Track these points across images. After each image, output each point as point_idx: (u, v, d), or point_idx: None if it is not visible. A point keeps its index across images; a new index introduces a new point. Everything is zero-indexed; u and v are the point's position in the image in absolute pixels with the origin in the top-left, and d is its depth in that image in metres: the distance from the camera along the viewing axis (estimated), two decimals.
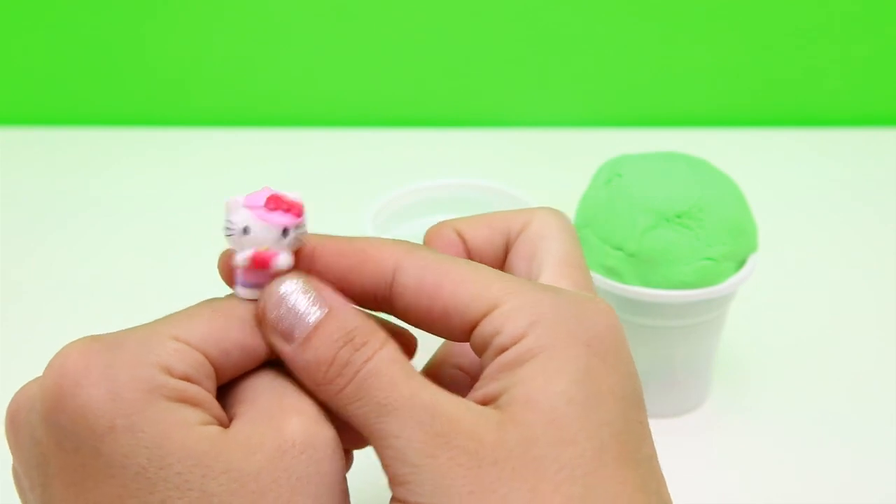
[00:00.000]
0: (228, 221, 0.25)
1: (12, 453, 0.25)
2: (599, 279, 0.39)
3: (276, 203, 0.25)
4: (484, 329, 0.24)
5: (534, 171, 0.64)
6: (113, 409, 0.22)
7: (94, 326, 0.50)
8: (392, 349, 0.24)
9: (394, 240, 0.26)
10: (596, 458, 0.22)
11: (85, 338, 0.24)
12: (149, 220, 0.61)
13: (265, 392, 0.24)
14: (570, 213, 0.42)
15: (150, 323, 0.24)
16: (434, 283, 0.25)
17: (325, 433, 0.23)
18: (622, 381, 0.24)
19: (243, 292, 0.25)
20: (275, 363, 0.25)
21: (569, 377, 0.23)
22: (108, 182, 0.66)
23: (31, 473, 0.24)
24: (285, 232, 0.25)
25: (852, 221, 0.60)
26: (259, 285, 0.25)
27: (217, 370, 0.24)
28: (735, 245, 0.39)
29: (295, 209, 0.25)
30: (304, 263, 0.25)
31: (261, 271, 0.25)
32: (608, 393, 0.23)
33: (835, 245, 0.57)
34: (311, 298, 0.24)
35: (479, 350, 0.24)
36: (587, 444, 0.22)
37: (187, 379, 0.23)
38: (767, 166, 0.67)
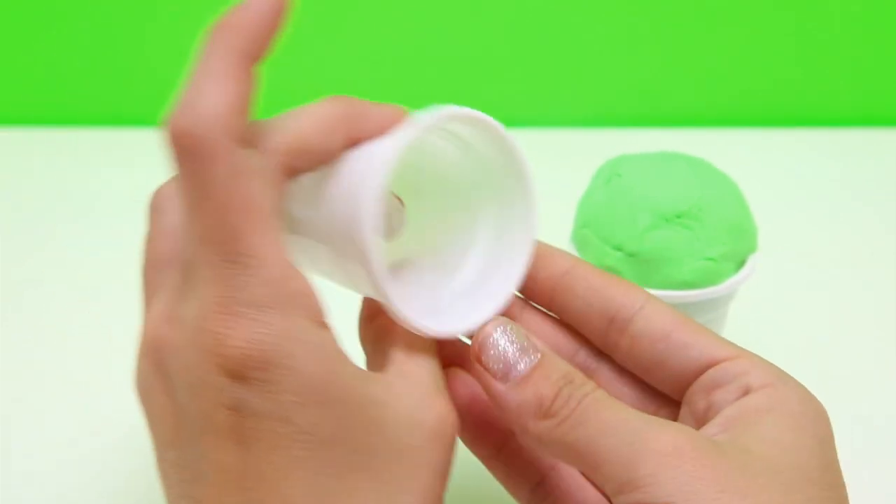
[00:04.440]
0: None
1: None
2: None
3: None
4: (726, 369, 0.27)
5: (534, 171, 0.64)
6: None
7: (95, 326, 0.51)
8: (604, 391, 0.26)
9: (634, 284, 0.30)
10: None
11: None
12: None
13: (419, 363, 0.27)
14: (570, 214, 0.42)
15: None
16: (664, 330, 0.28)
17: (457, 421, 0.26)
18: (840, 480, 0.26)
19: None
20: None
21: (812, 439, 0.25)
22: (108, 182, 0.66)
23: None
24: None
25: (852, 221, 0.60)
26: None
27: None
28: (735, 245, 0.39)
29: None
30: (561, 280, 0.30)
31: None
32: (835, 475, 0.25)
33: (835, 245, 0.57)
34: (524, 343, 0.27)
35: (709, 388, 0.27)
36: (825, 492, 0.24)
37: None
38: (767, 166, 0.67)
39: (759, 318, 0.49)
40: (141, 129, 0.73)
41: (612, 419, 0.25)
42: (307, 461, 0.23)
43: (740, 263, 0.40)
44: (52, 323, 0.51)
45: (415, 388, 0.26)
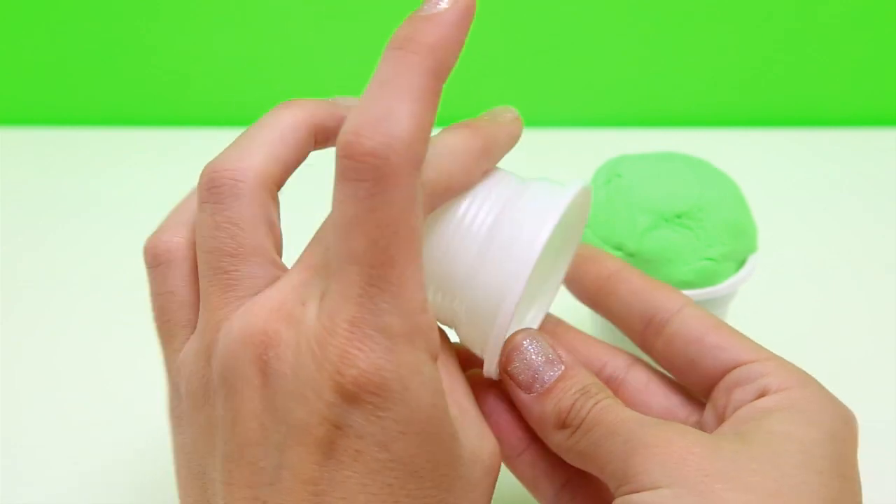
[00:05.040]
0: None
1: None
2: None
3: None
4: (749, 370, 0.27)
5: (534, 171, 0.64)
6: None
7: (95, 326, 0.51)
8: (615, 398, 0.27)
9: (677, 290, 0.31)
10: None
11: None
12: (149, 220, 0.61)
13: (466, 395, 0.28)
14: None
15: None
16: (698, 332, 0.29)
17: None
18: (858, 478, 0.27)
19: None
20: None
21: (824, 434, 0.25)
22: (108, 182, 0.66)
23: None
24: None
25: (852, 221, 0.60)
26: None
27: None
28: (735, 245, 0.39)
29: None
30: (606, 282, 0.31)
31: None
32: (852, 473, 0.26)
33: (834, 245, 0.57)
34: (549, 354, 0.28)
35: (730, 388, 0.28)
36: (833, 482, 0.24)
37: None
38: (767, 166, 0.67)
39: (759, 318, 0.48)
40: (141, 129, 0.73)
41: (614, 421, 0.26)
42: (394, 489, 0.23)
43: (740, 263, 0.40)
44: (51, 323, 0.51)
45: (472, 424, 0.26)
